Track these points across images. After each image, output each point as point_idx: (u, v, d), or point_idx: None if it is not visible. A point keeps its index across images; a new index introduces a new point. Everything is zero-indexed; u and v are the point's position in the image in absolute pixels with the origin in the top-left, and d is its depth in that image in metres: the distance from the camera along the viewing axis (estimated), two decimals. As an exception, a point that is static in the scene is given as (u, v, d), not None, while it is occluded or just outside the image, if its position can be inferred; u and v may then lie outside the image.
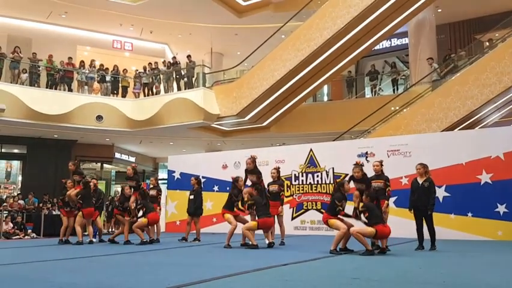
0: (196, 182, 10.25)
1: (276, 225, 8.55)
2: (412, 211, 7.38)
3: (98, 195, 10.57)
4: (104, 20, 17.97)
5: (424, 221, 7.33)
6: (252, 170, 8.28)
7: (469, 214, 9.71)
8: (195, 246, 8.76)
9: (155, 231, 9.85)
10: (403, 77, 17.70)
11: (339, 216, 6.78)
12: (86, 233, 9.86)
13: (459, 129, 13.00)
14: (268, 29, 16.68)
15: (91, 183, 9.96)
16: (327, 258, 6.25)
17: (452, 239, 9.28)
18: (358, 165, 7.13)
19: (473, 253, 7.13)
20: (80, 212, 9.53)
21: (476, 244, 8.45)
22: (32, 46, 17.30)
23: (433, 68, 14.82)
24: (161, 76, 17.31)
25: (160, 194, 10.55)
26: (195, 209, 9.98)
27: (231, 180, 8.64)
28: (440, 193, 9.80)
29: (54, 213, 14.53)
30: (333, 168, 11.55)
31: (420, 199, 7.24)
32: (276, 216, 8.46)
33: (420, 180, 7.36)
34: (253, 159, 8.30)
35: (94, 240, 10.03)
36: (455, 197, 9.87)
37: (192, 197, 10.15)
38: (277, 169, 8.72)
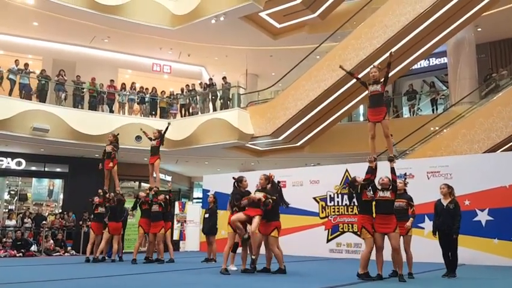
0: (213, 200, 10.04)
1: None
2: (437, 235, 7.05)
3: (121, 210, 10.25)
4: (145, 44, 18.56)
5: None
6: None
7: (514, 239, 9.28)
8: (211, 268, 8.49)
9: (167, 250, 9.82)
10: (442, 96, 17.28)
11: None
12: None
13: (502, 151, 12.51)
14: (303, 50, 16.74)
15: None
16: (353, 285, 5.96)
17: (496, 265, 8.87)
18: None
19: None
20: (107, 228, 9.68)
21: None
22: (76, 69, 17.98)
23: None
24: (198, 97, 17.67)
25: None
26: (209, 228, 9.87)
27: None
28: (483, 217, 9.46)
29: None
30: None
31: (446, 222, 6.90)
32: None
33: (444, 202, 7.06)
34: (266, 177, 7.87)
35: (115, 259, 9.98)
36: (498, 221, 9.46)
37: (207, 215, 10.04)
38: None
